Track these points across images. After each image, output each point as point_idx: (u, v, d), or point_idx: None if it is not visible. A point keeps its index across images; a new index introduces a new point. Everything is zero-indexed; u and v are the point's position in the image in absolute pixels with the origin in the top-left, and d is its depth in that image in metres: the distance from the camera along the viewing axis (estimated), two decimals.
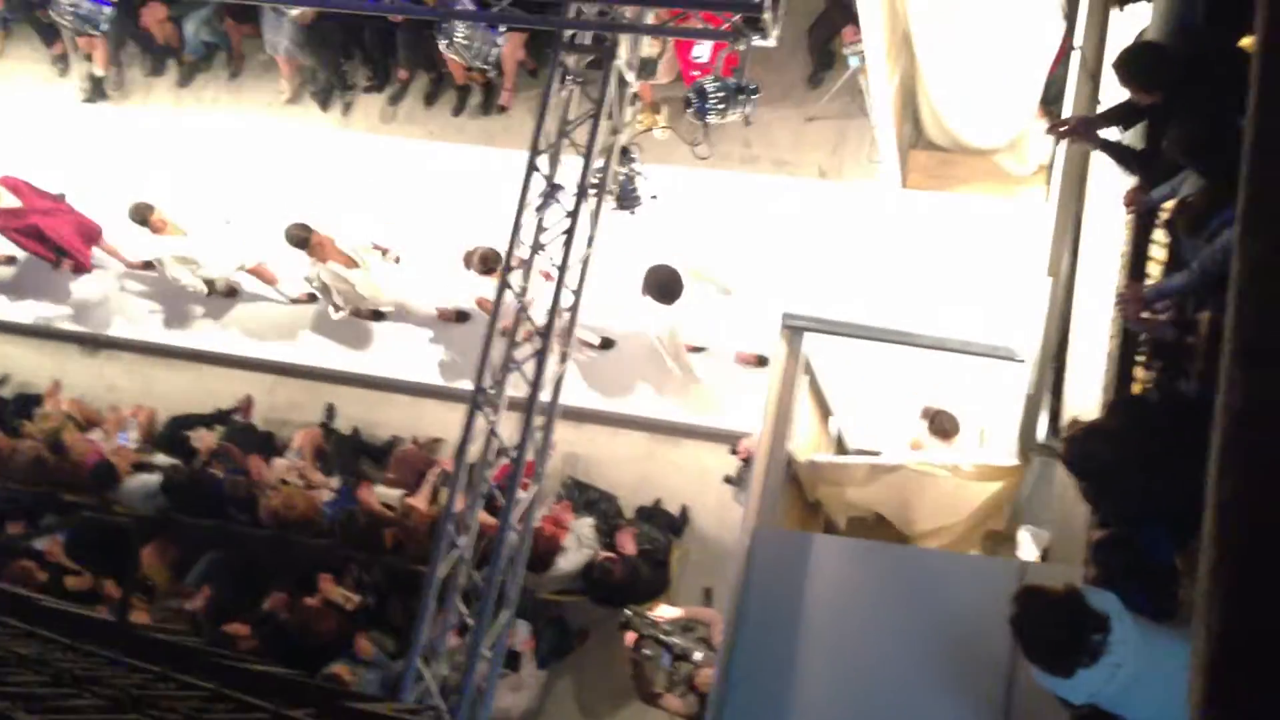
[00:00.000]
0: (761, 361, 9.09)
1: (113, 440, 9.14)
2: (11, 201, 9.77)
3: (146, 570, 8.39)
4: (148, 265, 10.21)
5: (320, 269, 9.13)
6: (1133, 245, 5.59)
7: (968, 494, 6.63)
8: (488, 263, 8.47)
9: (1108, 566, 4.39)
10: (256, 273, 9.89)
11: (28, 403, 10.02)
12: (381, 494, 8.51)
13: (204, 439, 9.26)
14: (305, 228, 9.05)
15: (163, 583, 8.55)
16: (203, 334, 10.25)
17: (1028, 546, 6.65)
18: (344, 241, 9.24)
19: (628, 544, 7.96)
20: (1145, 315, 4.88)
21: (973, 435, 7.71)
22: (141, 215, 9.54)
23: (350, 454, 9.36)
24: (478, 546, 6.19)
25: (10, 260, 10.74)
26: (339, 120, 10.98)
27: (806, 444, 7.20)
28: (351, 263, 9.16)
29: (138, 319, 10.41)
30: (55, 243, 9.97)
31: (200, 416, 9.74)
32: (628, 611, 7.06)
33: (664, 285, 7.96)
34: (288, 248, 9.26)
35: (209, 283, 9.95)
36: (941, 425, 7.42)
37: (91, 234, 10.15)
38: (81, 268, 10.26)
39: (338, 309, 9.48)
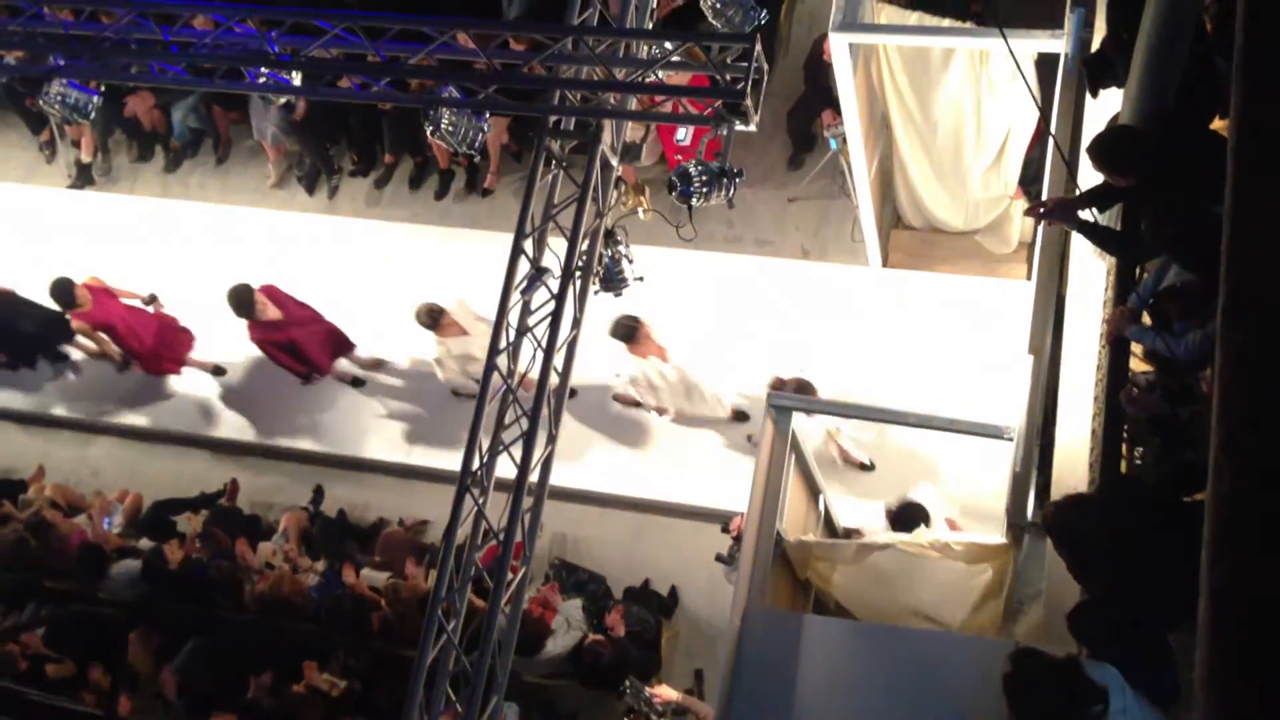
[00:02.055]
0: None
1: (97, 525, 9.05)
2: (273, 313, 9.30)
3: (131, 658, 8.27)
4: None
5: None
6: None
7: (957, 575, 6.62)
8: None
9: (1089, 634, 4.38)
10: None
11: (11, 488, 9.92)
12: (368, 577, 8.45)
13: (189, 523, 9.19)
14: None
15: (146, 670, 8.43)
16: (187, 417, 10.23)
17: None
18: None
19: (617, 625, 7.89)
20: (1137, 394, 4.94)
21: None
22: (433, 318, 8.91)
23: (336, 536, 9.29)
24: (465, 630, 6.13)
25: (220, 371, 10.26)
26: (325, 204, 11.08)
27: (795, 523, 7.19)
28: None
29: (121, 404, 10.37)
30: (308, 358, 9.58)
31: (185, 501, 9.67)
32: (627, 682, 7.01)
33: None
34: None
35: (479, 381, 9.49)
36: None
37: (342, 345, 9.76)
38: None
39: None
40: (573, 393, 9.03)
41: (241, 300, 9.18)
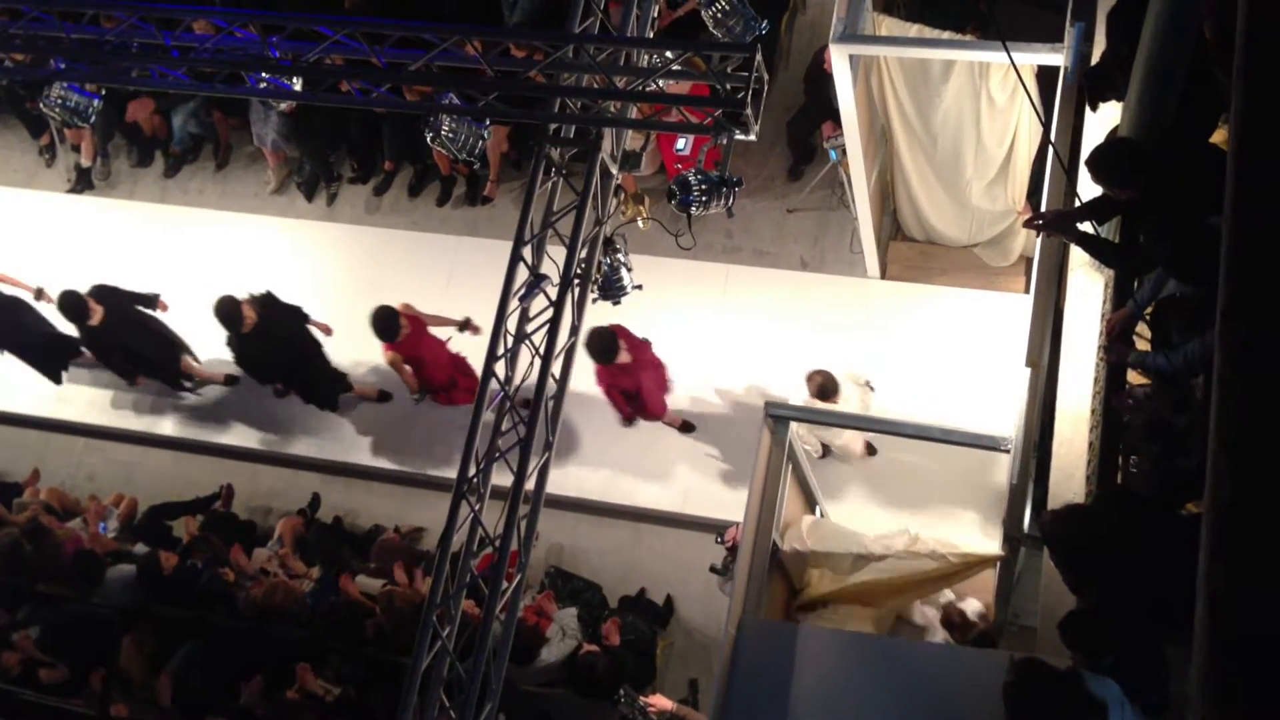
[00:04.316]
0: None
1: (93, 529, 9.03)
2: (623, 356, 8.31)
3: (124, 662, 8.24)
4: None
5: None
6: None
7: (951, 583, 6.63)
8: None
9: (1083, 643, 4.37)
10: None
11: (6, 491, 9.89)
12: (363, 584, 8.43)
13: (185, 526, 9.17)
14: None
15: (139, 675, 8.39)
16: (184, 422, 10.20)
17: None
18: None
19: (612, 635, 7.87)
20: (1134, 402, 4.96)
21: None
22: (825, 392, 8.03)
23: (332, 543, 9.28)
24: (460, 637, 6.12)
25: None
26: (324, 211, 11.08)
27: (791, 534, 7.19)
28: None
29: (118, 409, 10.35)
30: (645, 404, 8.74)
31: (180, 505, 9.65)
32: (622, 691, 7.00)
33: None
34: None
35: (825, 445, 8.70)
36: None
37: (665, 387, 8.92)
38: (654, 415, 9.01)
39: None
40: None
41: (607, 346, 8.17)
